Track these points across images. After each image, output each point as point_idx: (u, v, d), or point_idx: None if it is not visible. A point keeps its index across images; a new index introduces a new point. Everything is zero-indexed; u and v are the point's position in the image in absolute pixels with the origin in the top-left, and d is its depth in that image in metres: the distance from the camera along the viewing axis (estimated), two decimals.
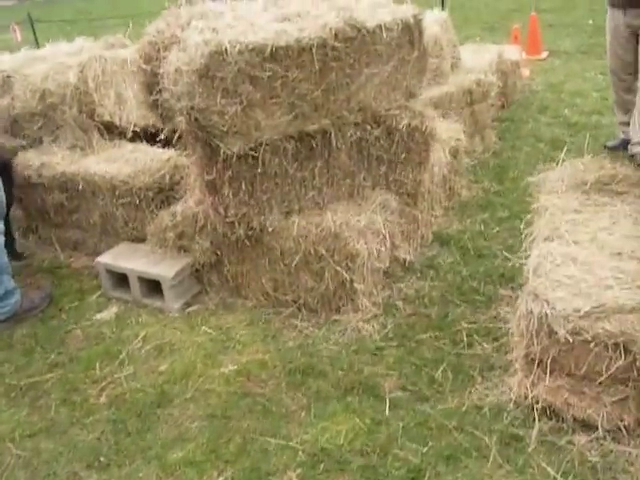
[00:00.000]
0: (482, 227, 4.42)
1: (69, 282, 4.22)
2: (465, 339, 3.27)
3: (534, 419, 2.66)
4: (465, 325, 3.39)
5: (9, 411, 3.15)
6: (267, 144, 3.24)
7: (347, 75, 3.31)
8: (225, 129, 3.06)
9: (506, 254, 3.89)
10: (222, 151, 3.13)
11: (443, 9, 8.36)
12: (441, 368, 3.07)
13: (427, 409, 2.82)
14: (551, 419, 2.65)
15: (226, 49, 2.90)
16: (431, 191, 4.23)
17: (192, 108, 2.99)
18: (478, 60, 6.32)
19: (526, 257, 3.02)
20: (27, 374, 3.39)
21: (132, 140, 4.57)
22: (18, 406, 3.18)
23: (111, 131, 4.55)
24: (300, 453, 2.66)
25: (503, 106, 6.91)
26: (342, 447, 2.66)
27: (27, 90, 4.45)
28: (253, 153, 3.24)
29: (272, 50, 3.00)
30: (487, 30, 11.36)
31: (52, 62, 4.55)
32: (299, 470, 2.58)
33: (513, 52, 7.38)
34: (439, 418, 2.76)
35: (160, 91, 3.22)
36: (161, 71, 3.17)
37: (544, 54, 9.24)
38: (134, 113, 4.47)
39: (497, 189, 5.04)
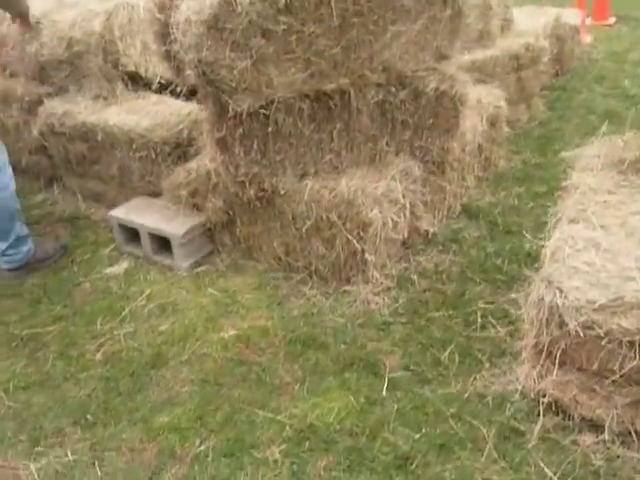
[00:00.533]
0: (516, 201, 4.20)
1: (85, 233, 4.18)
2: (479, 320, 3.09)
3: (538, 414, 2.49)
4: (481, 305, 3.21)
5: (8, 361, 3.14)
6: (280, 102, 3.07)
7: (370, 32, 3.11)
8: (234, 84, 2.90)
9: (534, 234, 3.66)
10: (231, 108, 2.98)
11: None
12: (448, 350, 2.91)
13: (427, 392, 2.67)
14: (557, 415, 2.47)
15: None
16: (462, 160, 4.00)
17: (200, 61, 2.84)
18: (532, 23, 5.98)
19: (548, 238, 2.81)
20: (30, 324, 3.37)
21: (159, 92, 4.46)
22: (17, 356, 3.16)
23: (136, 82, 4.44)
24: (287, 428, 2.55)
25: (557, 74, 6.57)
26: (331, 425, 2.54)
27: (55, 37, 4.35)
28: (265, 111, 3.07)
29: (287, 1, 2.81)
30: None
31: (81, 8, 4.44)
32: (283, 446, 2.47)
33: (573, 16, 6.97)
34: (438, 403, 2.61)
35: (172, 42, 3.07)
36: (173, 20, 3.02)
37: (611, 20, 8.74)
38: (160, 64, 4.33)
39: (538, 161, 4.78)
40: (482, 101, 4.35)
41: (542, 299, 2.41)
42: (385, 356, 2.91)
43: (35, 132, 4.50)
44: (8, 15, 4.29)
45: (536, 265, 3.42)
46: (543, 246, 2.74)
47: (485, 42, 5.22)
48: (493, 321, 3.08)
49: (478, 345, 2.93)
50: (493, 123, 4.43)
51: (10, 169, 3.74)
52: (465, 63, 4.65)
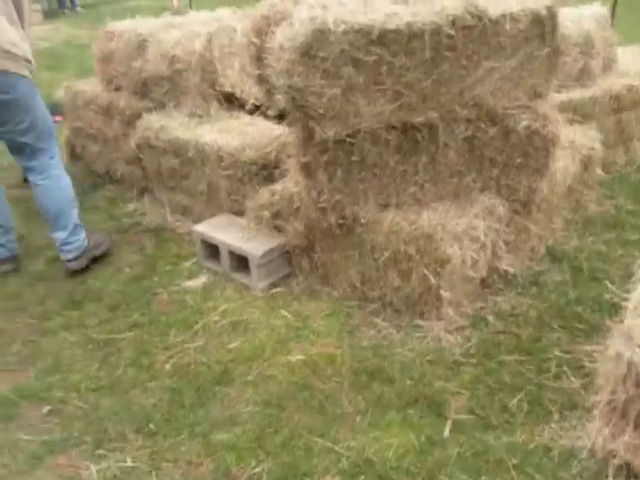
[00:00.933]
0: (604, 248, 4.03)
1: (169, 245, 4.30)
2: (553, 369, 2.98)
3: (607, 475, 2.36)
4: (557, 353, 3.09)
5: (83, 362, 3.25)
6: (366, 132, 3.08)
7: (462, 67, 3.07)
8: (322, 112, 2.93)
9: (622, 282, 3.50)
10: (318, 134, 3.01)
11: (615, 2, 7.65)
12: (518, 397, 2.81)
13: (490, 439, 2.59)
14: (627, 479, 2.34)
15: (330, 28, 2.77)
16: (550, 201, 3.89)
17: (290, 87, 2.88)
18: (636, 64, 5.77)
19: (632, 289, 2.68)
20: (107, 329, 3.48)
21: (252, 113, 4.56)
22: (91, 359, 3.26)
23: (231, 102, 4.56)
24: (343, 459, 2.52)
25: None
26: (388, 462, 2.49)
27: (158, 55, 4.54)
28: (351, 140, 3.09)
29: (379, 33, 2.82)
30: None
31: (185, 29, 4.61)
32: (337, 477, 2.45)
33: None
34: (500, 452, 2.52)
35: (266, 66, 3.14)
36: (268, 46, 3.08)
37: None
38: (256, 86, 4.43)
39: (632, 208, 4.58)
40: (576, 142, 4.23)
41: (620, 354, 2.31)
42: (451, 396, 2.84)
43: (132, 144, 4.69)
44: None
45: (622, 317, 3.29)
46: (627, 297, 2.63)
47: (585, 81, 5.07)
48: (568, 371, 2.96)
49: (549, 395, 2.82)
50: (586, 165, 4.29)
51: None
52: (562, 102, 4.53)
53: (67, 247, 3.97)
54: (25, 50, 3.67)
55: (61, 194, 3.91)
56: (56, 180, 3.89)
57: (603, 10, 5.47)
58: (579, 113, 4.74)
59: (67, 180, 3.95)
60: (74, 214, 3.96)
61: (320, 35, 2.78)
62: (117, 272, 4.04)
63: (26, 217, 4.82)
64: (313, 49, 2.80)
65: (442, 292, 3.21)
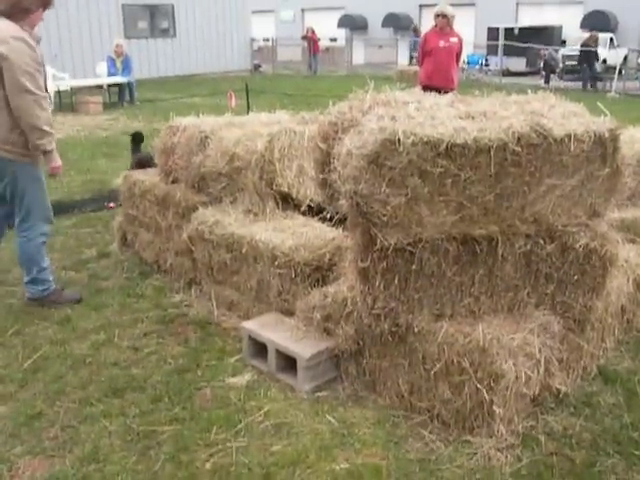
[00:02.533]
0: None
1: (214, 340, 4.28)
2: None
3: None
4: None
5: (120, 453, 3.19)
6: (427, 241, 3.11)
7: (525, 183, 3.12)
8: (385, 219, 2.97)
9: None
10: (379, 241, 3.04)
11: None
12: None
13: None
14: None
15: (399, 139, 2.84)
16: (603, 320, 3.83)
17: (356, 193, 2.93)
18: None
19: None
20: (148, 421, 3.43)
21: (306, 214, 4.63)
22: (129, 450, 3.21)
23: (287, 202, 4.65)
24: None
25: None
26: None
27: (219, 151, 4.68)
28: (411, 248, 3.11)
29: (447, 146, 2.89)
30: None
31: (247, 129, 4.76)
32: None
33: None
34: None
35: (331, 171, 3.21)
36: (335, 151, 3.16)
37: None
38: (312, 188, 4.52)
39: None
40: (630, 261, 4.20)
41: None
42: None
43: (185, 236, 4.76)
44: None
45: None
46: None
47: (637, 200, 5.09)
48: None
49: None
50: (639, 285, 4.24)
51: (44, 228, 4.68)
52: (615, 221, 4.53)
53: (27, 287, 4.78)
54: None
55: (24, 252, 4.66)
56: (23, 240, 4.62)
57: None
58: (632, 232, 4.73)
59: (30, 245, 4.60)
60: (34, 271, 4.66)
61: (389, 145, 2.85)
62: (161, 362, 4.02)
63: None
64: (381, 158, 2.87)
65: (495, 408, 3.13)
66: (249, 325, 3.96)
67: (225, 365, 3.97)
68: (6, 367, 3.98)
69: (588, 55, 23.09)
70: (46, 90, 4.42)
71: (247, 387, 3.73)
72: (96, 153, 10.65)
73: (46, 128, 4.24)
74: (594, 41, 23.39)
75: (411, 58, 31.07)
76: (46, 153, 4.38)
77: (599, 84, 23.44)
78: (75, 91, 16.84)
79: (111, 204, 7.21)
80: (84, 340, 4.30)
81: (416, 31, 30.47)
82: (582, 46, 23.53)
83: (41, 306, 4.73)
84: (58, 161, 4.50)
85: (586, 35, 27.49)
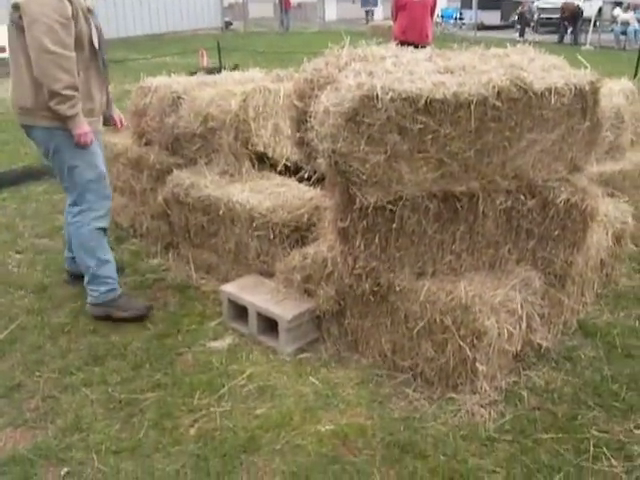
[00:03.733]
0: (637, 323, 3.97)
1: (194, 304, 4.23)
2: (592, 449, 2.88)
3: None
4: (595, 433, 2.99)
5: (103, 422, 3.15)
6: (407, 199, 3.06)
7: (506, 138, 3.07)
8: (365, 177, 2.91)
9: None
10: (358, 200, 2.98)
11: (635, 78, 7.78)
12: (556, 478, 2.71)
13: None
14: None
15: (377, 95, 2.76)
16: (583, 275, 3.84)
17: (334, 151, 2.87)
18: None
19: None
20: (130, 388, 3.38)
21: (283, 173, 4.56)
22: (112, 419, 3.17)
23: (263, 162, 4.56)
24: None
25: None
26: None
27: (192, 112, 4.56)
28: (391, 207, 3.06)
29: (426, 102, 2.82)
30: None
31: (220, 88, 4.64)
32: None
33: None
34: None
35: (307, 129, 3.14)
36: (311, 109, 3.08)
37: None
38: (288, 147, 4.44)
39: None
40: (609, 215, 4.20)
41: None
42: (487, 475, 2.74)
43: (160, 199, 4.67)
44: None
45: None
46: None
47: (615, 154, 5.08)
48: (607, 452, 2.86)
49: (589, 478, 2.71)
50: (618, 239, 4.25)
51: (101, 211, 4.02)
52: (593, 175, 4.52)
53: (89, 291, 4.07)
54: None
55: (77, 241, 4.01)
56: (74, 227, 4.00)
57: (630, 85, 5.52)
58: (610, 186, 4.73)
59: (83, 231, 3.97)
60: (92, 264, 3.99)
61: (367, 101, 2.78)
62: (140, 328, 3.96)
63: (50, 268, 4.78)
64: (359, 115, 2.80)
65: (478, 365, 3.13)
66: (228, 288, 3.91)
67: (206, 329, 3.93)
68: None
69: (572, 15, 23.03)
70: (92, 45, 3.79)
71: (229, 351, 3.70)
72: None
73: (67, 92, 3.58)
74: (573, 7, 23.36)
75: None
76: (67, 119, 3.69)
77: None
78: None
79: None
80: (61, 308, 4.22)
81: None
82: (564, 9, 23.41)
83: (105, 314, 4.04)
84: (83, 127, 3.75)
85: None
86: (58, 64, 3.54)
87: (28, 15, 3.49)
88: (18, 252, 5.12)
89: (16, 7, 3.54)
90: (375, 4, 31.30)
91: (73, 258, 4.29)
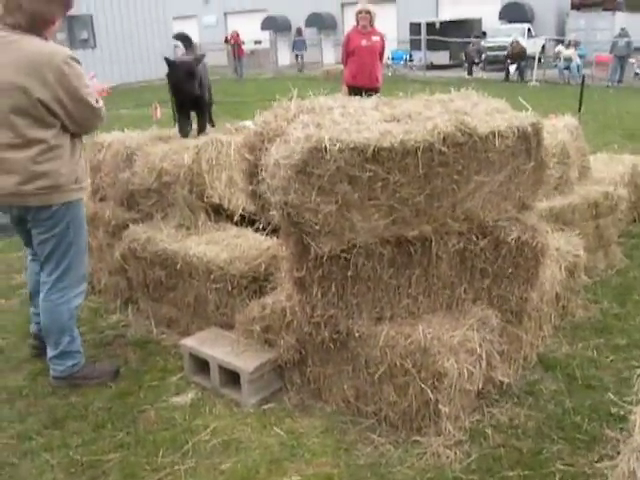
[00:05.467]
0: (594, 354, 4.04)
1: (155, 359, 4.18)
2: None
3: None
4: (560, 466, 3.03)
5: None
6: (361, 247, 3.10)
7: (454, 181, 3.15)
8: (318, 228, 2.95)
9: (617, 391, 3.49)
10: (313, 249, 3.02)
11: (579, 113, 8.05)
12: None
13: None
14: None
15: (326, 147, 2.82)
16: (540, 309, 3.91)
17: (286, 203, 2.90)
18: (609, 171, 5.98)
19: (637, 402, 2.65)
20: (92, 450, 3.31)
21: (239, 224, 4.58)
22: None
23: (219, 213, 4.58)
24: None
25: (635, 220, 6.48)
26: None
27: (146, 167, 4.57)
28: (346, 255, 3.10)
29: (374, 151, 2.89)
30: (627, 138, 10.90)
31: (173, 143, 4.68)
32: None
33: None
34: None
35: (259, 182, 3.18)
36: (262, 162, 3.13)
37: None
38: (243, 197, 4.47)
39: (617, 312, 4.64)
40: (561, 249, 4.30)
41: (633, 472, 2.24)
42: None
43: (117, 255, 4.65)
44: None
45: (620, 426, 3.25)
46: (631, 409, 2.58)
47: (563, 189, 5.22)
48: None
49: None
50: (571, 272, 4.35)
51: (81, 287, 3.89)
52: (543, 210, 4.64)
53: (53, 365, 3.90)
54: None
55: (52, 318, 3.80)
56: (52, 304, 3.79)
57: (574, 121, 5.72)
58: (560, 220, 4.85)
59: (65, 307, 3.79)
60: (64, 341, 3.83)
61: (316, 153, 2.83)
62: (101, 388, 3.89)
63: (5, 329, 4.69)
64: (309, 166, 2.85)
65: (440, 406, 3.16)
66: (189, 342, 3.88)
67: (168, 384, 3.89)
68: None
69: (520, 55, 23.83)
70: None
71: (192, 405, 3.66)
72: None
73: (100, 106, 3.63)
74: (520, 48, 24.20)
75: None
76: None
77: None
78: None
79: None
80: (19, 371, 4.14)
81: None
82: (510, 52, 24.18)
83: (70, 386, 3.90)
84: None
85: (504, 27, 28.36)
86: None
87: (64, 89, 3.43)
88: None
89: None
90: (304, 49, 32.47)
91: None
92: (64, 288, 3.77)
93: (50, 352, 3.89)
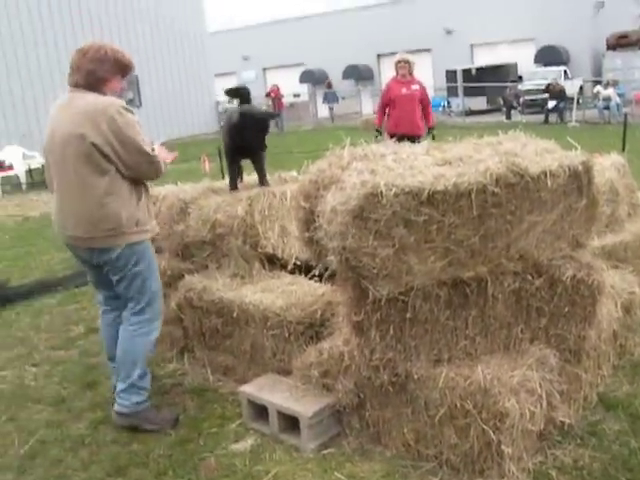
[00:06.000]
0: None
1: (213, 406, 4.23)
2: None
3: None
4: None
5: None
6: (418, 289, 3.14)
7: (507, 222, 3.18)
8: (376, 271, 3.01)
9: None
10: (371, 293, 3.07)
11: (623, 152, 8.03)
12: None
13: None
14: None
15: (382, 192, 2.90)
16: (597, 348, 3.87)
17: (344, 248, 2.97)
18: None
19: None
20: None
21: (293, 272, 4.65)
22: None
23: (273, 262, 4.67)
24: None
25: None
26: None
27: (200, 220, 4.70)
28: (403, 297, 3.15)
29: (429, 194, 2.95)
30: None
31: (225, 195, 4.81)
32: None
33: None
34: None
35: (316, 229, 3.26)
36: (318, 209, 3.21)
37: None
38: (296, 246, 4.56)
39: None
40: (616, 286, 4.27)
41: None
42: None
43: (173, 304, 4.74)
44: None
45: None
46: None
47: (614, 227, 5.20)
48: None
49: None
50: (627, 309, 4.30)
51: (158, 322, 4.09)
52: (595, 248, 4.62)
53: (119, 399, 4.02)
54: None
55: (127, 349, 3.99)
56: (130, 335, 3.99)
57: (620, 159, 5.71)
58: (613, 258, 4.82)
59: (139, 341, 3.99)
60: (135, 374, 3.97)
61: (372, 198, 2.91)
62: (161, 435, 3.95)
63: (67, 380, 4.80)
64: (366, 212, 2.92)
65: (503, 447, 3.13)
66: (247, 389, 3.93)
67: (227, 431, 3.92)
68: (2, 455, 3.89)
69: (558, 94, 23.96)
70: None
71: (251, 452, 3.68)
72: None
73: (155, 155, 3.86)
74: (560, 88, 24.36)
75: None
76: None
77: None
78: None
79: None
80: (81, 420, 4.23)
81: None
82: (550, 90, 24.32)
83: (131, 428, 4.00)
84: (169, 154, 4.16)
85: (541, 69, 28.54)
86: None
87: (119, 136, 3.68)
88: (34, 365, 5.15)
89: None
90: (336, 101, 33.38)
91: None
92: (142, 321, 3.98)
93: (119, 386, 4.01)
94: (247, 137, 4.67)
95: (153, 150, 3.84)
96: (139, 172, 3.83)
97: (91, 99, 3.73)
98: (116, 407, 4.03)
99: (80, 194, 3.73)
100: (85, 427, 4.13)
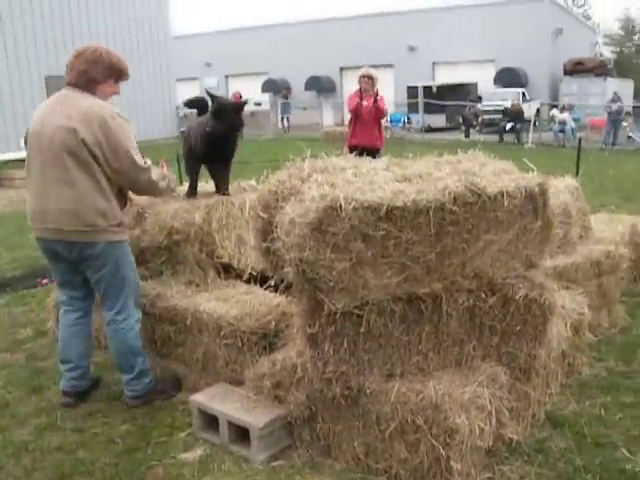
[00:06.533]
0: (602, 412, 4.04)
1: (162, 415, 4.17)
2: None
3: None
4: None
5: None
6: (373, 304, 3.16)
7: (464, 240, 3.23)
8: (332, 284, 3.02)
9: (627, 449, 3.49)
10: (326, 306, 3.07)
11: (577, 175, 8.24)
12: None
13: None
14: None
15: (341, 205, 2.91)
16: (547, 367, 3.94)
17: (301, 260, 2.98)
18: (610, 230, 6.09)
19: None
20: None
21: (248, 282, 4.63)
22: None
23: (228, 271, 4.64)
24: None
25: (635, 279, 6.54)
26: None
27: (156, 225, 4.65)
28: (358, 311, 3.16)
29: (387, 210, 2.98)
30: (624, 199, 11.07)
31: (183, 202, 4.77)
32: None
33: None
34: None
35: (273, 239, 3.25)
36: (277, 220, 3.21)
37: None
38: (253, 256, 4.54)
39: (623, 369, 4.65)
40: (566, 307, 4.35)
41: None
42: None
43: None
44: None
45: None
46: None
47: (566, 248, 5.31)
48: None
49: None
50: (577, 329, 4.39)
51: (139, 313, 4.25)
52: (548, 269, 4.70)
53: (130, 387, 4.24)
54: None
55: (123, 346, 4.16)
56: (120, 333, 4.14)
57: (574, 182, 5.84)
58: (564, 279, 4.92)
59: (130, 335, 4.13)
60: (139, 361, 4.19)
61: (331, 212, 2.92)
62: (109, 443, 3.88)
63: (11, 384, 4.68)
64: (324, 225, 2.93)
65: (452, 463, 3.16)
66: (198, 398, 3.89)
67: (176, 441, 3.87)
68: None
69: (517, 116, 24.46)
70: None
71: (200, 462, 3.64)
72: (25, 228, 10.34)
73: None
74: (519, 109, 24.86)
75: None
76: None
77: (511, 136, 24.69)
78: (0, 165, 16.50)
79: (44, 280, 7.03)
80: (25, 425, 4.12)
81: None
82: (511, 111, 24.82)
83: (148, 403, 4.25)
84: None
85: (500, 90, 29.17)
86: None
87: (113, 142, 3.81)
88: None
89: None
90: (289, 112, 34.10)
91: (83, 373, 4.35)
92: (127, 318, 4.12)
93: (126, 377, 4.22)
94: (222, 144, 4.67)
95: (146, 163, 3.95)
96: (127, 180, 3.96)
97: (87, 99, 3.87)
98: (129, 394, 4.25)
99: (67, 186, 3.81)
100: (29, 433, 4.03)
